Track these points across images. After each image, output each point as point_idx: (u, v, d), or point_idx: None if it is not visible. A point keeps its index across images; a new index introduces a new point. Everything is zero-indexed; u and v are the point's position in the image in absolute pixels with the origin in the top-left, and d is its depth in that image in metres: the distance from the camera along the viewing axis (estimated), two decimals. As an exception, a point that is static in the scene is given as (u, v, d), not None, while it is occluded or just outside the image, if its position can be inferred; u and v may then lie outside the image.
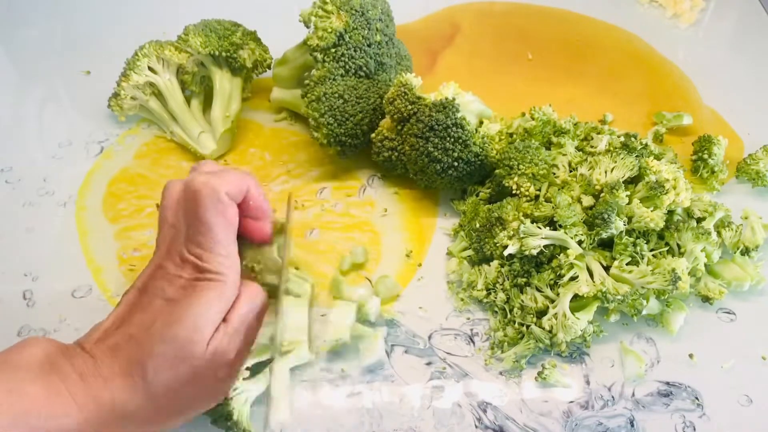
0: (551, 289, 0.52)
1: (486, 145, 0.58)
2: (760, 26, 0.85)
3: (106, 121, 0.70)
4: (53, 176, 0.64)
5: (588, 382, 0.50)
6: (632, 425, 0.48)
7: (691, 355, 0.52)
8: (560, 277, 0.51)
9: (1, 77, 0.76)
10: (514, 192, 0.56)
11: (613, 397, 0.49)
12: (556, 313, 0.50)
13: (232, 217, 0.42)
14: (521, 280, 0.52)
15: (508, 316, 0.52)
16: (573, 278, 0.51)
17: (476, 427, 0.48)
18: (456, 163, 0.57)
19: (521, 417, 0.48)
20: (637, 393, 0.50)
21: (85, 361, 0.38)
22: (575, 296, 0.50)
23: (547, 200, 0.55)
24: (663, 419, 0.48)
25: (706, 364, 0.51)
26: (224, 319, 0.41)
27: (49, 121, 0.71)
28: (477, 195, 0.60)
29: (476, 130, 0.59)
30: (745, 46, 0.82)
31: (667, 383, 0.50)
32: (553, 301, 0.51)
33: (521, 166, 0.56)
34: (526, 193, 0.55)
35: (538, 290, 0.52)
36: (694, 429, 0.48)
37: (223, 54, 0.65)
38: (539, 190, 0.56)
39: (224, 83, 0.67)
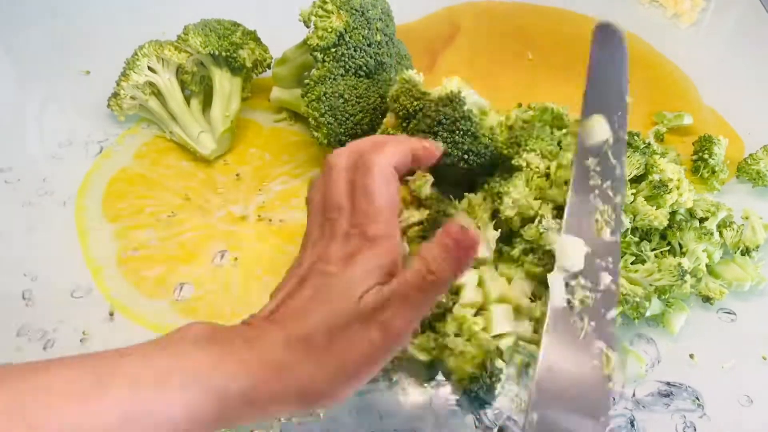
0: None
1: (495, 135, 0.58)
2: (760, 26, 0.85)
3: (106, 121, 0.70)
4: (53, 176, 0.64)
5: (588, 382, 0.50)
6: (632, 425, 0.48)
7: (691, 355, 0.52)
8: None
9: (1, 77, 0.76)
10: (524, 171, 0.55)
11: (613, 397, 0.49)
12: None
13: (395, 192, 0.42)
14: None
15: None
16: None
17: (476, 427, 0.48)
18: (466, 156, 0.57)
19: (521, 417, 0.48)
20: (637, 393, 0.50)
21: (248, 330, 0.37)
22: None
23: (557, 185, 0.54)
24: (663, 419, 0.48)
25: (707, 364, 0.51)
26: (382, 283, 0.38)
27: (49, 121, 0.71)
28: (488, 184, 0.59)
29: (483, 121, 0.59)
30: (745, 46, 0.82)
31: (668, 383, 0.50)
32: None
33: (528, 143, 0.56)
34: (536, 169, 0.55)
35: None
36: (695, 429, 0.48)
37: (223, 54, 0.65)
38: (548, 168, 0.55)
39: (224, 83, 0.67)
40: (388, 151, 0.43)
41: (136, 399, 0.31)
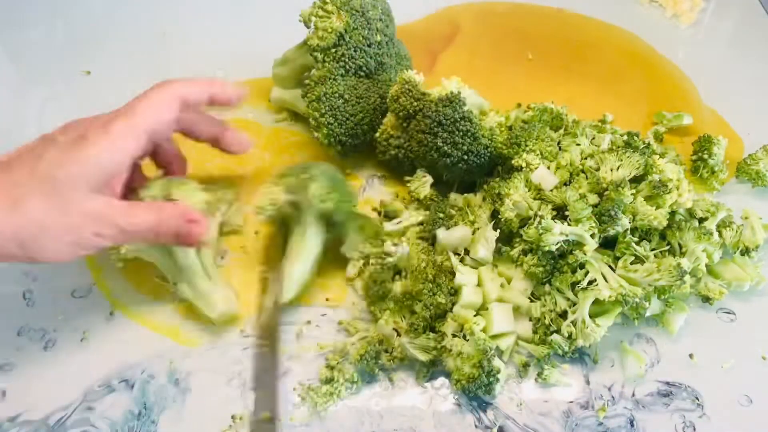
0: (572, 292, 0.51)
1: (494, 136, 0.58)
2: (760, 26, 0.85)
3: (106, 121, 0.70)
4: (53, 176, 0.64)
5: (588, 382, 0.50)
6: (632, 425, 0.48)
7: (691, 355, 0.52)
8: (575, 271, 0.51)
9: (1, 77, 0.76)
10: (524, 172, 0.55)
11: (613, 397, 0.49)
12: (575, 320, 0.50)
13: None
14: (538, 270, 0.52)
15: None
16: (591, 282, 0.50)
17: (476, 427, 0.48)
18: (466, 156, 0.57)
19: (521, 417, 0.48)
20: (636, 393, 0.50)
21: None
22: (593, 301, 0.50)
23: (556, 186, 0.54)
24: (663, 419, 0.48)
25: (706, 364, 0.51)
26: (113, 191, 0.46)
27: (49, 121, 0.71)
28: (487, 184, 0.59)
29: (482, 121, 0.59)
30: (745, 46, 0.82)
31: (667, 383, 0.50)
32: (574, 304, 0.51)
33: (528, 143, 0.56)
34: (536, 169, 0.55)
35: (559, 291, 0.51)
36: (694, 429, 0.48)
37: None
38: (548, 168, 0.55)
39: None
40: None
41: None
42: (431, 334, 0.50)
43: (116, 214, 0.44)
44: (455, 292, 0.51)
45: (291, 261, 0.54)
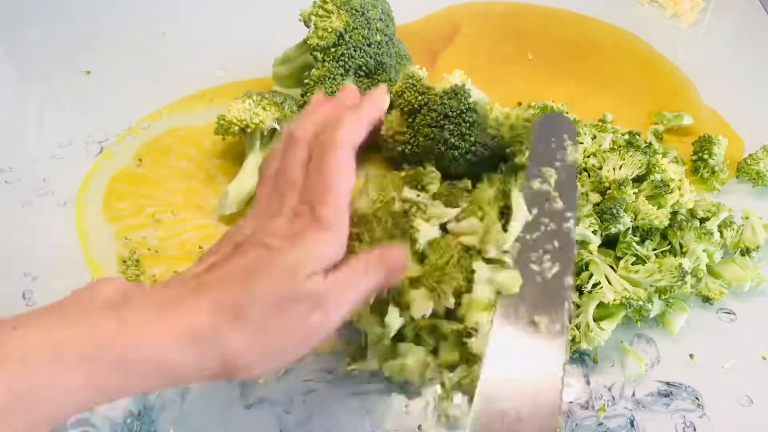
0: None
1: (501, 126, 0.58)
2: (760, 26, 0.85)
3: (106, 121, 0.70)
4: (53, 176, 0.64)
5: (588, 382, 0.50)
6: (632, 425, 0.48)
7: (691, 355, 0.52)
8: (579, 273, 0.51)
9: (1, 77, 0.76)
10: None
11: (613, 397, 0.49)
12: (579, 323, 0.49)
13: (352, 176, 0.39)
14: None
15: None
16: (595, 285, 0.50)
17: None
18: (473, 147, 0.57)
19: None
20: (637, 393, 0.50)
21: (165, 292, 0.34)
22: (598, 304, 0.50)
23: None
24: (663, 419, 0.48)
25: (707, 364, 0.51)
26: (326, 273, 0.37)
27: (49, 121, 0.71)
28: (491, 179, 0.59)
29: (488, 112, 0.59)
30: (745, 46, 0.82)
31: (668, 383, 0.50)
32: (578, 306, 0.50)
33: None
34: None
35: None
36: (695, 429, 0.48)
37: None
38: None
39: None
40: (351, 128, 0.40)
41: (29, 375, 0.29)
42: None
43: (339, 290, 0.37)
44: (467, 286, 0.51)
45: (247, 177, 0.60)
